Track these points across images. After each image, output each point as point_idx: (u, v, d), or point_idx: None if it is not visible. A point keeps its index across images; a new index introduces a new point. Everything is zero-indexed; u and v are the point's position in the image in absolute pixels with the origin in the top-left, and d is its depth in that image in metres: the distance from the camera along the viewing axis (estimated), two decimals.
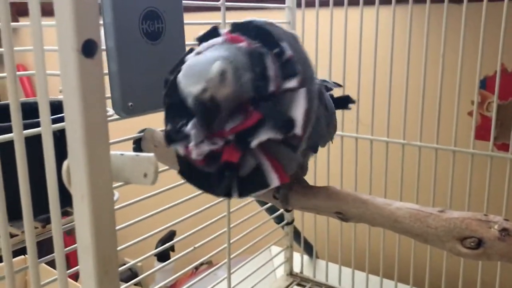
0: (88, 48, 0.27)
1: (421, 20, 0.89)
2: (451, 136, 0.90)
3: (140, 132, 0.71)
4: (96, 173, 0.29)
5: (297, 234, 1.14)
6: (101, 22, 0.62)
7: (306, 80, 0.51)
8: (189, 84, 0.49)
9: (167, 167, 0.71)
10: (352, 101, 0.70)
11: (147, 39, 0.66)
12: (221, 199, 0.86)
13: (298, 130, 0.50)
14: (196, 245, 0.84)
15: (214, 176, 0.53)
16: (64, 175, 0.31)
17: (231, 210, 0.88)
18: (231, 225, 0.88)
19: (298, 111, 0.50)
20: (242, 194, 0.52)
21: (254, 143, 0.49)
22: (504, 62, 1.07)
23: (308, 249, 1.16)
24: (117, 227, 0.65)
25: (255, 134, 0.50)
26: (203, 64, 0.49)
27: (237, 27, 0.55)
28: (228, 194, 0.53)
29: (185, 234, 0.83)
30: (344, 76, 0.96)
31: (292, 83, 0.51)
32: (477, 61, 0.84)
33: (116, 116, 0.66)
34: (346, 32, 0.94)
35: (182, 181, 0.78)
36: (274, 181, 0.51)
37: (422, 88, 0.90)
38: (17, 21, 1.91)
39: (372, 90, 0.95)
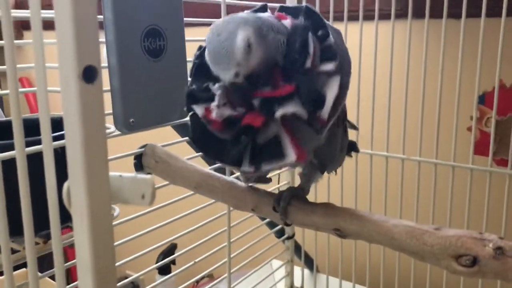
0: (89, 74, 0.28)
1: (420, 35, 0.89)
2: (450, 151, 0.90)
3: (141, 147, 0.72)
4: (95, 194, 0.30)
5: (297, 248, 1.14)
6: (103, 39, 0.63)
7: (342, 71, 0.51)
8: (220, 70, 0.49)
9: (167, 182, 0.71)
10: (357, 150, 0.70)
11: (148, 56, 0.67)
12: (221, 213, 0.87)
13: (325, 112, 0.49)
14: (197, 260, 0.84)
15: (228, 142, 0.52)
16: (65, 197, 0.32)
17: (231, 225, 0.88)
18: (232, 240, 0.89)
19: (329, 95, 0.49)
20: (254, 163, 0.51)
21: (279, 113, 0.48)
22: (502, 77, 1.07)
23: (309, 263, 1.16)
24: (118, 242, 0.65)
25: (282, 105, 0.49)
26: (228, 40, 0.48)
27: (284, 8, 0.56)
28: (238, 162, 0.51)
29: (186, 248, 0.83)
30: None
31: (329, 66, 0.50)
32: (476, 76, 0.85)
33: (117, 132, 0.66)
34: None
35: (183, 195, 0.79)
36: (291, 155, 0.49)
37: (421, 103, 0.90)
38: (21, 34, 1.93)
39: (372, 105, 0.96)
